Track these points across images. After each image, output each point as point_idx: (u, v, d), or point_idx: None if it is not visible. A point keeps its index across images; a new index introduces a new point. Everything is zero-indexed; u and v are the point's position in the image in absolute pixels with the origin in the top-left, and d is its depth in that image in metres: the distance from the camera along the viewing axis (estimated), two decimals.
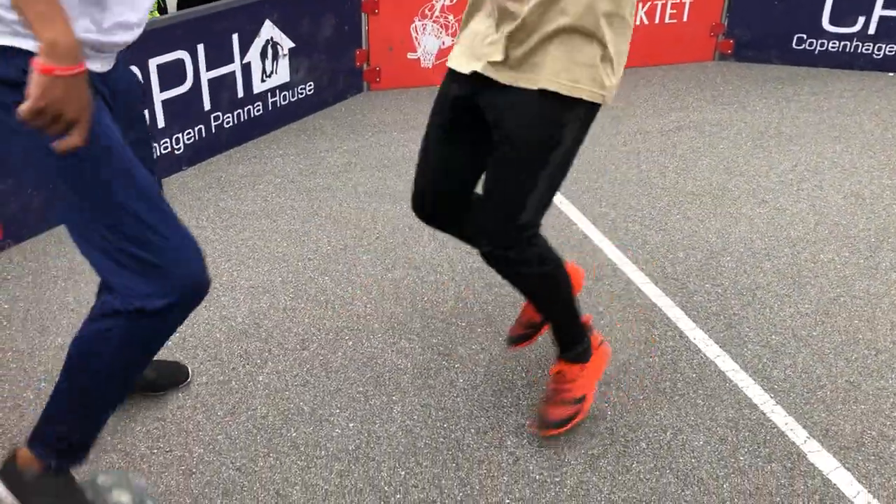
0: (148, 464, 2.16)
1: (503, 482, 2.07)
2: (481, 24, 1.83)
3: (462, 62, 1.87)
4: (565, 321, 2.17)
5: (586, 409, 2.23)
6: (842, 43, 5.22)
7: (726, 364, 2.59)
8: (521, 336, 2.43)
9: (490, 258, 1.96)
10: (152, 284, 1.54)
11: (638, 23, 5.07)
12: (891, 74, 5.22)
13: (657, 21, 5.22)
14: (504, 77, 1.78)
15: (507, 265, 1.97)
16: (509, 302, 2.83)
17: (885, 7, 5.04)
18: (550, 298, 2.09)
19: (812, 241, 3.35)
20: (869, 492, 2.13)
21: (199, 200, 3.55)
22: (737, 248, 3.27)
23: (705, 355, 2.63)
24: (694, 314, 2.83)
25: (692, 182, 3.85)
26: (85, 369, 1.64)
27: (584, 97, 1.75)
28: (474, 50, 1.82)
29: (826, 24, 5.16)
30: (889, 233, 3.44)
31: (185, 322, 2.65)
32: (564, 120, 1.78)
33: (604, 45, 1.73)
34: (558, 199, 3.57)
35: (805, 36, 5.25)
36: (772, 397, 2.46)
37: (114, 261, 1.54)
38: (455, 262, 3.08)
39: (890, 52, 5.18)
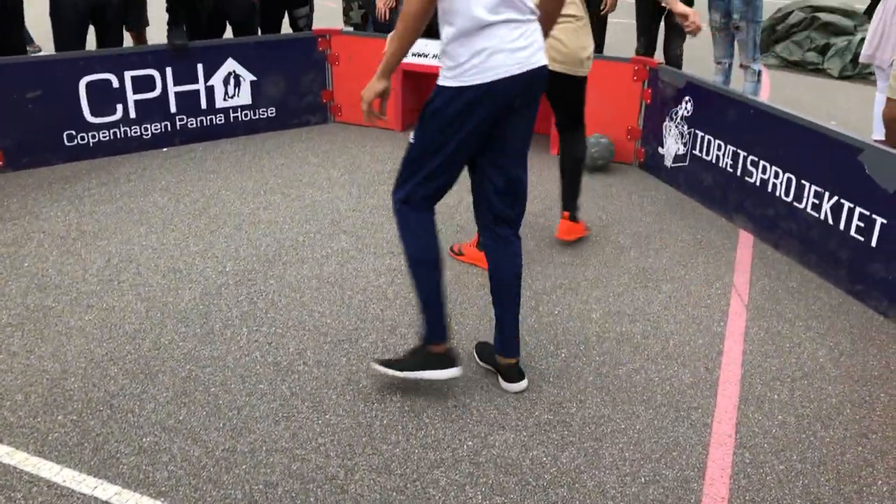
0: None
1: None
2: None
3: None
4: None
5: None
6: (111, 131, 5.37)
7: (108, 491, 2.38)
8: None
9: None
10: None
11: None
12: (164, 150, 5.56)
13: None
14: None
15: None
16: None
17: (135, 93, 5.31)
18: None
19: (148, 328, 3.30)
20: None
21: None
22: (78, 365, 3.01)
23: (82, 493, 2.37)
24: (56, 455, 2.54)
25: (6, 312, 3.38)
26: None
27: None
28: None
29: (89, 116, 5.22)
30: (212, 295, 3.59)
31: None
32: None
33: None
34: None
35: (74, 132, 5.22)
36: (162, 501, 2.33)
37: None
38: None
39: (156, 130, 5.51)
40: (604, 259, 3.99)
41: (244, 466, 2.47)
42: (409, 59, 5.69)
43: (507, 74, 2.44)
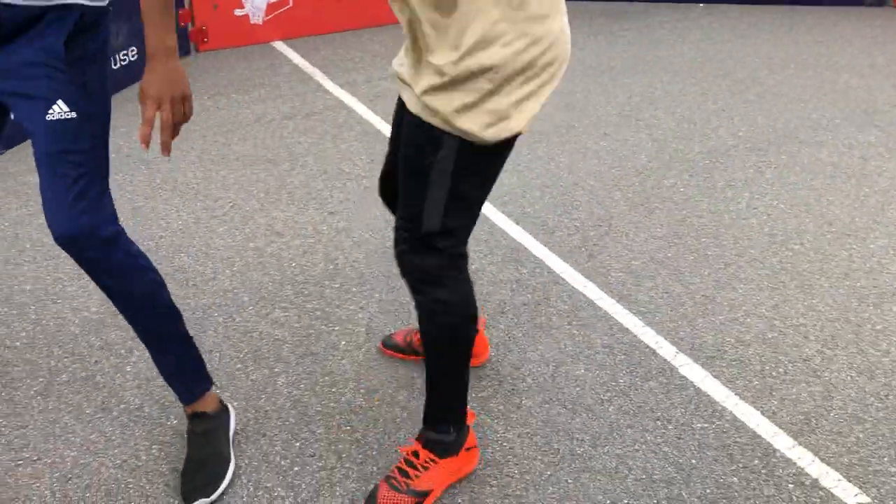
0: (14, 477, 1.97)
1: (400, 438, 2.07)
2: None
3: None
4: (446, 390, 1.90)
5: None
6: None
7: (594, 293, 2.62)
8: (396, 347, 2.37)
9: (398, 259, 1.82)
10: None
11: None
12: (701, 5, 5.37)
13: None
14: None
15: (410, 273, 1.80)
16: (380, 258, 2.81)
17: None
18: (440, 340, 1.84)
19: (655, 167, 3.41)
20: (735, 394, 2.21)
21: (24, 185, 3.30)
22: (588, 182, 3.29)
23: (574, 287, 2.65)
24: (557, 249, 2.85)
25: (538, 122, 3.82)
26: None
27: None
28: None
29: None
30: (720, 153, 3.52)
31: (33, 317, 2.51)
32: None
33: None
34: None
35: None
36: (640, 319, 2.49)
37: None
38: (318, 223, 3.05)
39: None
40: None
41: (720, 317, 2.51)
42: None
43: None
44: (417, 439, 1.93)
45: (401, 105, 1.81)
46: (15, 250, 2.84)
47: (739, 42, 4.95)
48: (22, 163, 3.43)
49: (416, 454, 1.91)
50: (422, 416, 1.94)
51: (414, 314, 1.94)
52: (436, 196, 1.71)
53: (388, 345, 2.38)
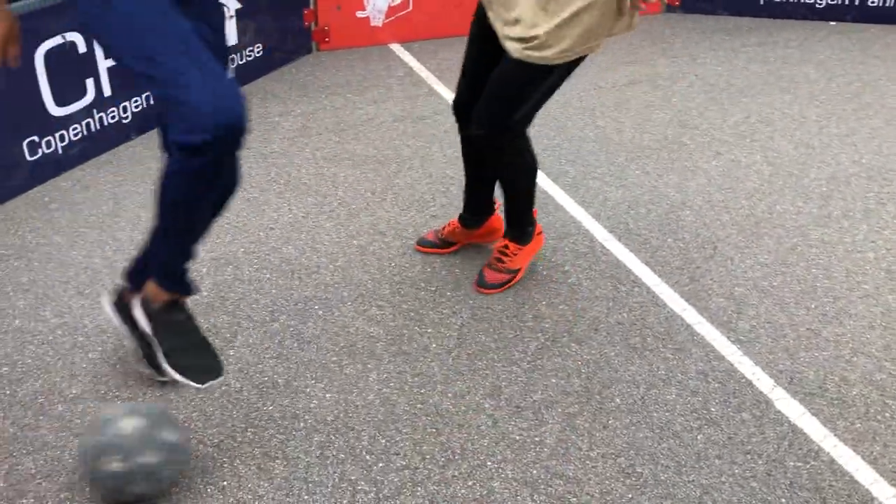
0: None
1: (484, 445, 2.09)
2: None
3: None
4: (521, 207, 2.67)
5: (517, 279, 2.72)
6: None
7: (693, 317, 2.56)
8: (430, 244, 2.93)
9: (480, 141, 2.51)
10: (186, 122, 1.63)
11: None
12: (832, 23, 5.11)
13: None
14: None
15: (488, 145, 2.51)
16: (478, 264, 2.83)
17: None
18: (518, 184, 2.63)
19: (767, 192, 3.28)
20: (834, 435, 2.14)
21: (150, 171, 3.38)
22: (695, 202, 3.21)
23: (672, 309, 2.59)
24: (658, 269, 2.80)
25: (648, 136, 3.78)
26: (161, 203, 1.82)
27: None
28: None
29: None
30: (839, 181, 3.34)
31: None
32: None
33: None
34: None
35: None
36: (738, 348, 2.43)
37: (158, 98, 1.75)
38: (419, 225, 3.09)
39: (831, 1, 5.12)
40: None
41: (825, 353, 2.39)
42: None
43: None
44: (505, 237, 2.71)
45: (483, 37, 2.36)
46: (137, 232, 3.00)
47: (872, 63, 4.70)
48: (149, 149, 3.55)
49: (506, 247, 2.70)
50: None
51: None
52: (535, 100, 2.36)
53: (423, 243, 2.93)
